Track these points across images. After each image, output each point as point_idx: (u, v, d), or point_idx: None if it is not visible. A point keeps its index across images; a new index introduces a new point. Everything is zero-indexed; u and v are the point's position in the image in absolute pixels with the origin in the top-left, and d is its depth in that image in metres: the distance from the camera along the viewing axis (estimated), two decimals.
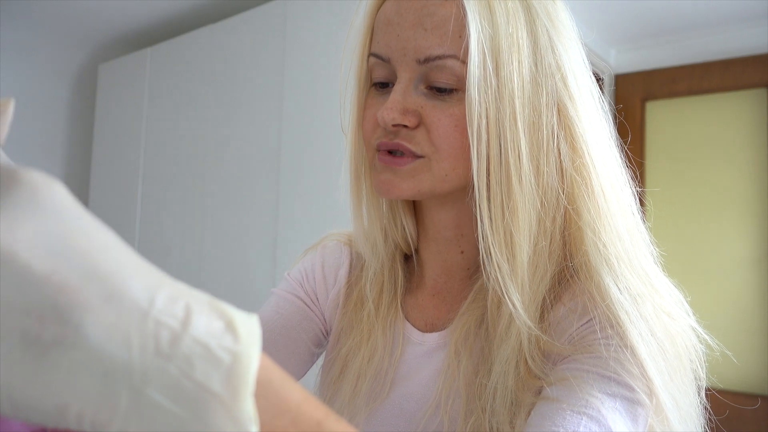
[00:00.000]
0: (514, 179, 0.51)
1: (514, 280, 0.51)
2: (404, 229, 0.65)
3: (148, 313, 0.23)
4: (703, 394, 0.53)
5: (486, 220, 0.52)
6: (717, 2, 2.34)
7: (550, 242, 0.53)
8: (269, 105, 2.08)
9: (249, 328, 0.25)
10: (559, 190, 0.52)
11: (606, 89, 2.76)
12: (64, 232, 0.22)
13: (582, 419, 0.44)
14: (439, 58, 0.51)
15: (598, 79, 2.64)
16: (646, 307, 0.50)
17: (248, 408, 0.23)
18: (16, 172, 0.23)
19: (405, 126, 0.53)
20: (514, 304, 0.51)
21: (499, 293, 0.52)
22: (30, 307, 0.21)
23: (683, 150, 2.65)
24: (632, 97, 2.76)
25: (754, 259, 2.45)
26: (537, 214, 0.52)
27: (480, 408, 0.52)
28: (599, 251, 0.51)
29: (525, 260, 0.51)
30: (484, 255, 0.52)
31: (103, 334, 0.22)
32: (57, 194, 0.23)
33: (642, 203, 0.61)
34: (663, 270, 0.57)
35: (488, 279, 0.53)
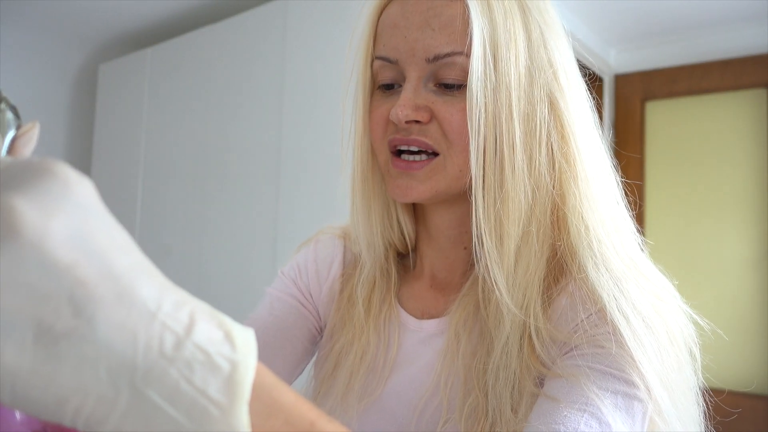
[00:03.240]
0: (507, 168, 0.53)
1: (501, 266, 0.53)
2: (401, 230, 0.66)
3: (155, 315, 0.24)
4: (700, 375, 0.54)
5: (480, 210, 0.54)
6: (717, 2, 2.34)
7: (540, 228, 0.54)
8: (269, 105, 2.09)
9: (245, 339, 0.26)
10: (548, 177, 0.55)
11: (606, 89, 2.76)
12: (89, 228, 0.23)
13: (583, 417, 0.45)
14: (448, 55, 0.54)
15: (597, 79, 2.64)
16: (631, 288, 0.51)
17: (243, 416, 0.24)
18: (51, 164, 0.23)
19: (417, 122, 0.55)
20: (499, 289, 0.53)
21: (487, 278, 0.54)
22: (49, 295, 0.22)
23: (683, 150, 2.65)
24: (632, 97, 2.76)
25: (754, 259, 2.45)
26: (528, 201, 0.54)
27: (478, 389, 0.54)
28: (581, 234, 0.53)
29: (512, 247, 0.53)
30: (477, 242, 0.54)
31: (112, 331, 0.23)
32: (87, 191, 0.24)
33: (638, 197, 0.62)
34: (662, 269, 0.57)
35: (478, 265, 0.55)
